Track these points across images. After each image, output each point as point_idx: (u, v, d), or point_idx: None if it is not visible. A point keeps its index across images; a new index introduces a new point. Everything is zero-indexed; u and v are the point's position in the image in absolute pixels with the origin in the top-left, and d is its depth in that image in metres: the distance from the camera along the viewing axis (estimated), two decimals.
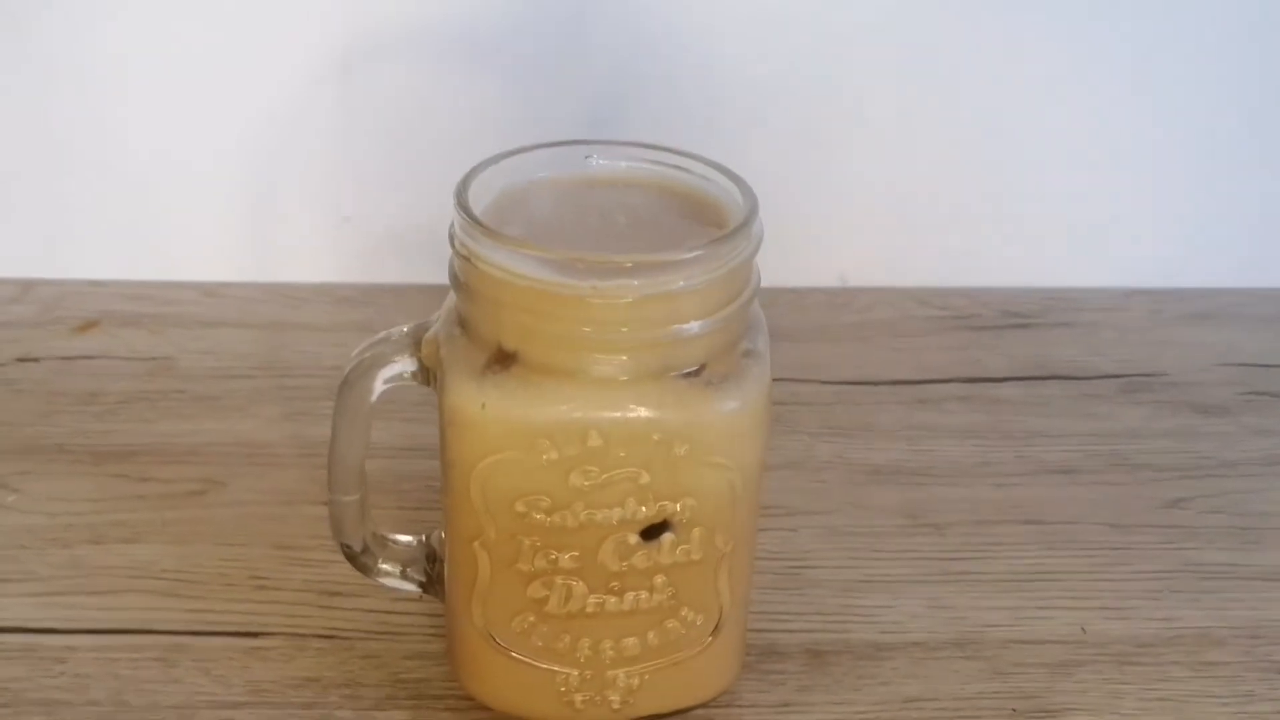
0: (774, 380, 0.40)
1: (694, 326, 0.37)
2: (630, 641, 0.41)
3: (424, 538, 0.45)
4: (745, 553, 0.41)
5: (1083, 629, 0.48)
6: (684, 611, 0.41)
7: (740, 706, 0.45)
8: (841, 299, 0.69)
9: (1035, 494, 0.55)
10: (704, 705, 0.44)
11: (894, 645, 0.47)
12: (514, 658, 0.41)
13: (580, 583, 0.39)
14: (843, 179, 0.68)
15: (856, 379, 0.63)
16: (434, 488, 0.43)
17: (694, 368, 0.37)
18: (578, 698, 0.42)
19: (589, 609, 0.40)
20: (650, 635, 0.41)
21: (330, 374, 0.60)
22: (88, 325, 0.65)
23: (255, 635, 0.47)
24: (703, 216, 0.40)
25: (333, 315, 0.67)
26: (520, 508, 0.38)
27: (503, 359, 0.37)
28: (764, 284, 0.39)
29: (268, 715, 0.44)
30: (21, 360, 0.62)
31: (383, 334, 0.41)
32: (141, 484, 0.54)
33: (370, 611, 0.48)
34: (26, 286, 0.67)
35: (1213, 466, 0.57)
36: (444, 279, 0.66)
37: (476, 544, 0.39)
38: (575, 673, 0.41)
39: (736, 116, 0.66)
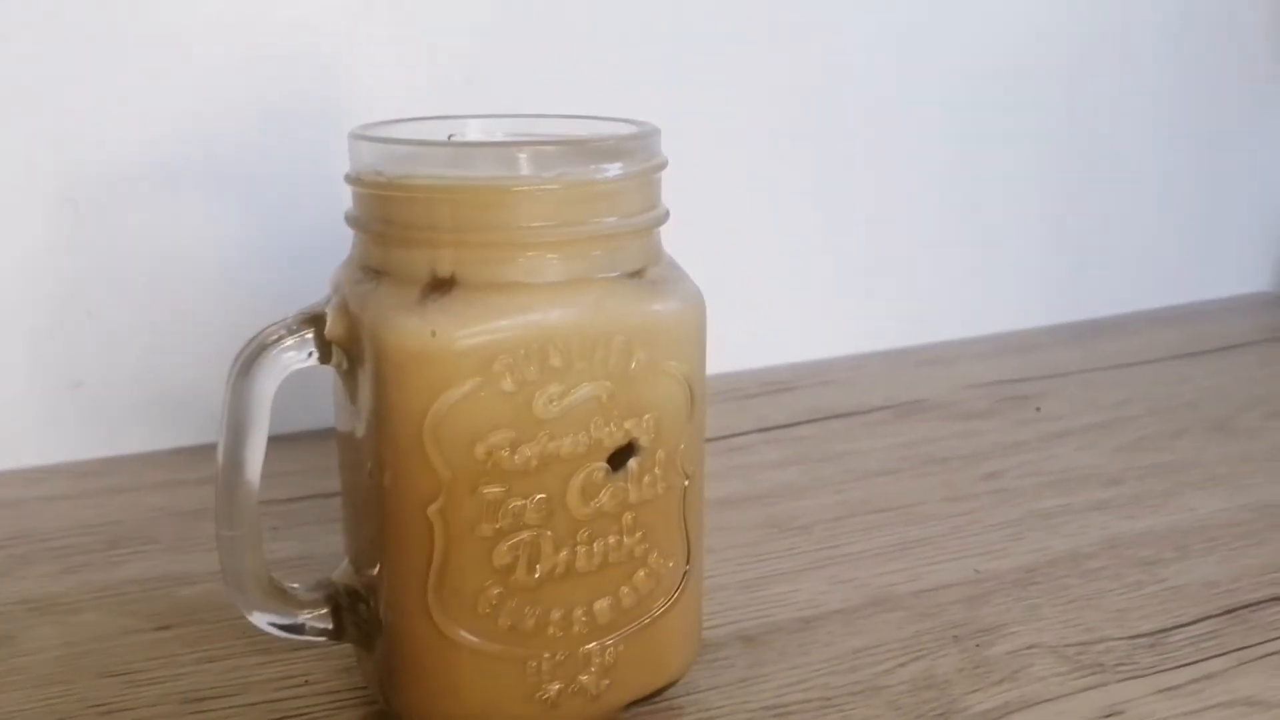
0: None
1: (634, 220, 0.36)
2: (602, 605, 0.37)
3: (325, 579, 0.39)
4: (701, 493, 0.40)
5: (975, 570, 0.50)
6: (654, 557, 0.38)
7: (702, 691, 0.42)
8: None
9: (872, 492, 0.57)
10: (671, 687, 0.40)
11: (818, 616, 0.46)
12: (478, 651, 0.36)
13: (549, 533, 0.36)
14: None
15: None
16: None
17: (635, 269, 0.37)
18: (552, 688, 0.37)
19: (558, 570, 0.36)
20: (623, 591, 0.38)
21: (98, 530, 0.54)
22: None
23: None
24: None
25: (77, 485, 0.58)
26: (480, 452, 0.35)
27: (440, 285, 0.35)
28: None
29: None
30: None
31: (264, 327, 0.37)
32: None
33: (254, 704, 0.41)
34: None
35: (1005, 448, 0.62)
36: (203, 439, 0.60)
37: (432, 510, 0.35)
38: (547, 655, 0.37)
39: None
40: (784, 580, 0.49)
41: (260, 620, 0.38)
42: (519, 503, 0.36)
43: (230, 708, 0.41)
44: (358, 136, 0.36)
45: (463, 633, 0.36)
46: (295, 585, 0.39)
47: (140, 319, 0.61)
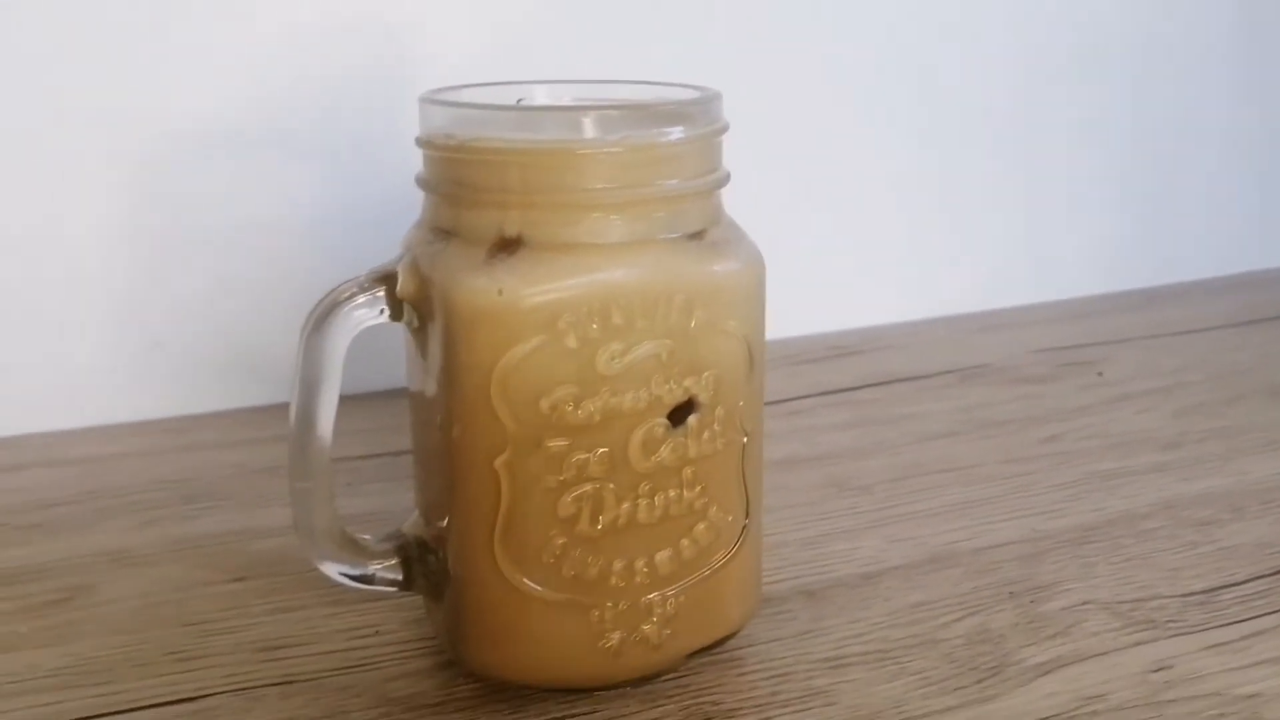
0: None
1: (695, 182, 0.37)
2: (663, 556, 0.38)
3: (396, 530, 0.41)
4: (759, 450, 0.40)
5: (1032, 529, 0.50)
6: (713, 511, 0.39)
7: (763, 643, 0.43)
8: None
9: (932, 454, 0.58)
10: (732, 638, 0.41)
11: (879, 572, 0.47)
12: (543, 600, 0.37)
13: (611, 486, 0.37)
14: None
15: None
16: None
17: (695, 231, 0.37)
18: (614, 636, 0.38)
19: (621, 521, 0.37)
20: (684, 543, 0.38)
21: (175, 485, 0.56)
22: None
23: (196, 699, 0.40)
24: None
25: (156, 442, 0.60)
26: (545, 406, 0.36)
27: (507, 245, 0.36)
28: None
29: None
30: None
31: (338, 285, 0.39)
32: None
33: (327, 653, 0.43)
34: None
35: (1066, 411, 0.62)
36: (279, 398, 0.62)
37: (499, 462, 0.36)
38: (609, 604, 0.38)
39: None
40: (845, 538, 0.50)
41: (331, 570, 0.39)
42: (582, 456, 0.37)
43: (302, 656, 0.42)
44: (429, 100, 0.37)
45: (528, 582, 0.37)
46: (366, 537, 0.41)
47: (219, 281, 0.63)
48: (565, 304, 0.35)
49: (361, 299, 0.38)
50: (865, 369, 0.69)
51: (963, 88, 0.75)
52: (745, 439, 0.39)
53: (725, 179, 0.39)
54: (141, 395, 0.62)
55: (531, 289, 0.35)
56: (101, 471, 0.57)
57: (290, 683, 0.41)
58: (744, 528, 0.40)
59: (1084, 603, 0.44)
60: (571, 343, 0.36)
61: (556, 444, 0.36)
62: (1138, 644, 0.42)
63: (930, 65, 0.74)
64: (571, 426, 0.36)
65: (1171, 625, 0.43)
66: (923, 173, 0.76)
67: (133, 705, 0.40)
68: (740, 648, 0.42)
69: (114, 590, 0.47)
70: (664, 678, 0.40)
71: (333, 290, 0.38)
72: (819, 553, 0.48)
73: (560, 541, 0.37)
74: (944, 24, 0.74)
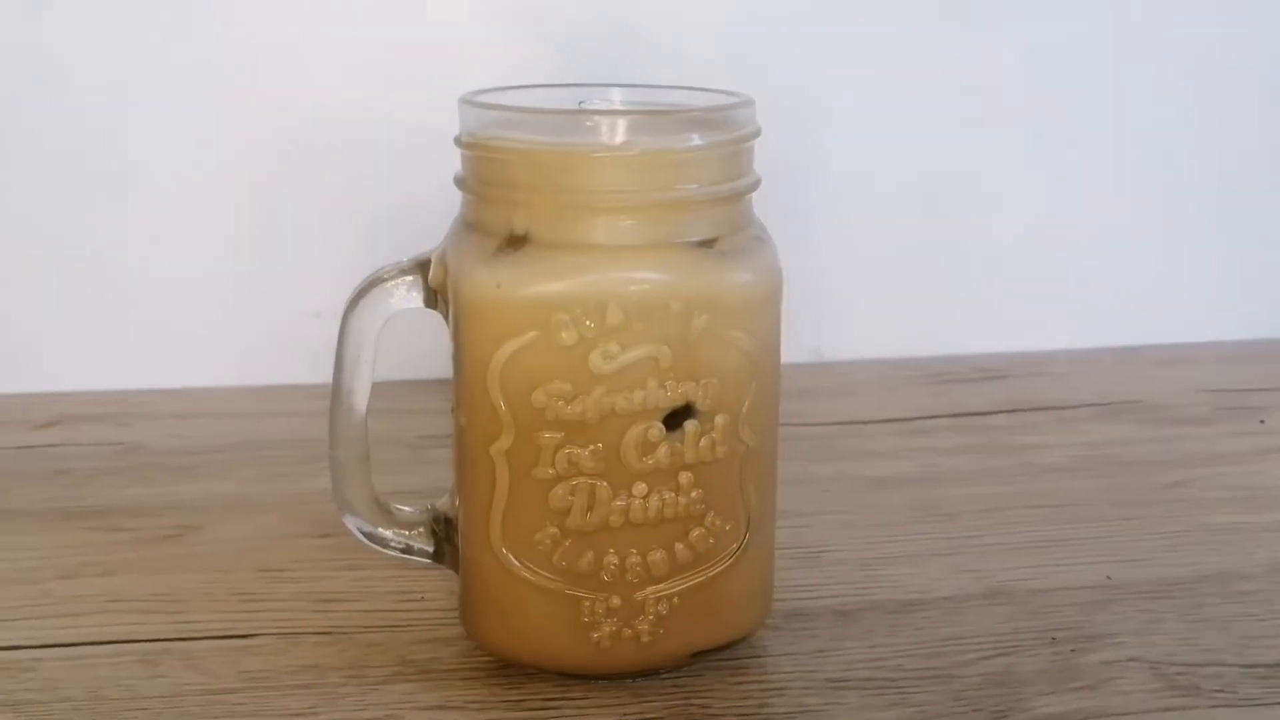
0: None
1: (704, 190, 0.37)
2: (657, 557, 0.39)
3: (430, 505, 0.43)
4: (769, 456, 0.40)
5: (1108, 576, 0.47)
6: (710, 517, 0.39)
7: (773, 655, 0.42)
8: (817, 369, 0.70)
9: (1039, 488, 0.55)
10: (732, 646, 0.41)
11: (922, 601, 0.46)
12: (535, 586, 0.39)
13: (604, 483, 0.38)
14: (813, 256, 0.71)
15: (846, 420, 0.63)
16: None
17: (706, 238, 0.38)
18: (605, 629, 0.39)
19: (613, 519, 0.38)
20: (678, 547, 0.39)
21: (309, 444, 0.60)
22: (48, 425, 0.63)
23: (245, 637, 0.44)
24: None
25: (302, 405, 0.66)
26: (539, 400, 0.37)
27: (514, 242, 0.37)
28: None
29: (262, 698, 0.40)
30: None
31: (379, 268, 0.41)
32: (114, 533, 0.52)
33: (370, 611, 0.46)
34: None
35: (1205, 458, 0.58)
36: (424, 373, 0.65)
37: (494, 449, 0.38)
38: (601, 598, 0.39)
39: None
40: (906, 563, 0.48)
41: (351, 523, 0.42)
42: (576, 450, 0.38)
43: (348, 611, 0.45)
44: (462, 101, 0.39)
45: (520, 567, 0.39)
46: (405, 508, 0.43)
47: (374, 257, 0.67)
48: (560, 301, 0.37)
49: (397, 283, 0.41)
50: (1004, 394, 0.66)
51: (1175, 116, 0.71)
52: (746, 449, 0.39)
53: (750, 186, 0.39)
54: (299, 360, 0.68)
55: (528, 285, 0.37)
56: (248, 427, 0.63)
57: (329, 633, 0.44)
58: (745, 536, 0.40)
59: (1129, 659, 0.42)
60: (566, 339, 0.37)
61: (549, 437, 0.37)
62: (1170, 709, 0.39)
63: (1135, 88, 0.71)
64: (564, 421, 0.37)
65: (1218, 695, 0.40)
66: (1118, 198, 0.72)
67: (192, 635, 0.44)
68: (749, 656, 0.42)
69: (218, 532, 0.52)
70: (664, 675, 0.41)
71: (374, 272, 0.41)
72: (871, 574, 0.47)
73: (552, 531, 0.38)
74: (1153, 25, 0.70)
